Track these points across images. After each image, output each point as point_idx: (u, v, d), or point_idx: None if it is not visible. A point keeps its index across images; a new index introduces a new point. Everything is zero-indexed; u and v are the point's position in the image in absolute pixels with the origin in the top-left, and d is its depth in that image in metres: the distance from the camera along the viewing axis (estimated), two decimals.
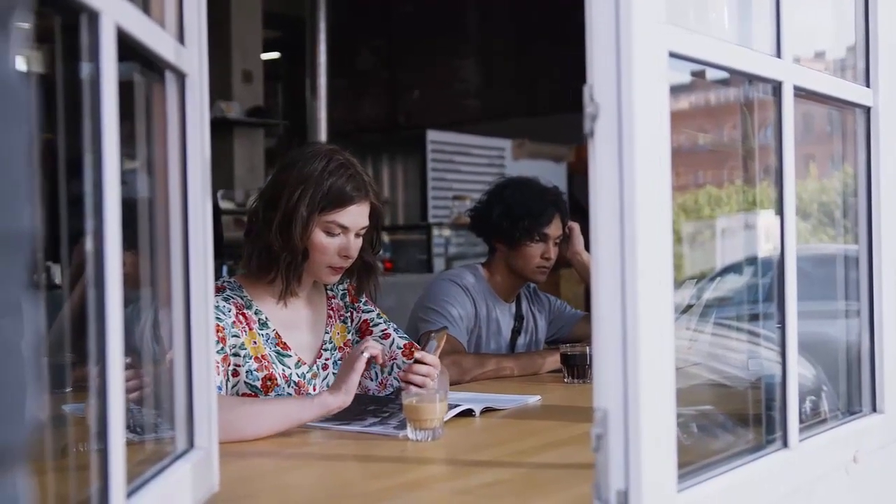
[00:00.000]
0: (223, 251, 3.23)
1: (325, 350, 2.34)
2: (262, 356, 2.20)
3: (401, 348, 2.36)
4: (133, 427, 1.41)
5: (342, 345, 2.38)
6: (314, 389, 2.27)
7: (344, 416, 2.06)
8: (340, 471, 1.72)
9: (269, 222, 2.19)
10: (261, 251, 2.22)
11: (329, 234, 2.20)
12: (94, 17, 1.00)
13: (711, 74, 1.57)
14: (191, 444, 1.38)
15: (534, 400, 2.37)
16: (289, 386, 2.22)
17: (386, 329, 2.41)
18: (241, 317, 2.20)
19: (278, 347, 2.24)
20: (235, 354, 2.15)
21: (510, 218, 3.00)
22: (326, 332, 2.36)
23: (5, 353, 0.58)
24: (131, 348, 1.21)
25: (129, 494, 1.10)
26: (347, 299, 2.43)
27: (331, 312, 2.39)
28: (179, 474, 1.28)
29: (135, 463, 1.19)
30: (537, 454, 1.81)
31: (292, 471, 1.75)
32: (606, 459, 1.18)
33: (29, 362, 0.60)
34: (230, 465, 1.58)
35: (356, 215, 2.22)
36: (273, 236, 2.18)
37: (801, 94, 1.58)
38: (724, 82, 1.73)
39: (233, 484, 1.52)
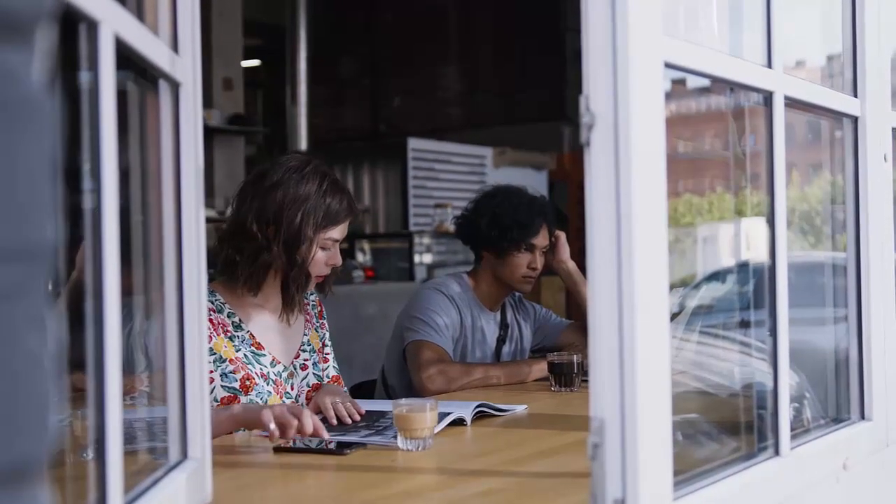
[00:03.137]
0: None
1: (304, 351, 2.42)
2: (237, 358, 2.25)
3: (329, 378, 2.46)
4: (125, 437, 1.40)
5: (318, 349, 2.47)
6: (292, 389, 2.35)
7: (338, 429, 2.06)
8: (332, 481, 1.72)
9: (268, 241, 2.24)
10: (261, 269, 2.27)
11: (323, 248, 2.31)
12: (93, 26, 0.99)
13: (692, 82, 1.58)
14: (184, 454, 1.37)
15: (521, 409, 2.37)
16: (267, 384, 2.28)
17: (329, 354, 2.53)
18: (208, 322, 2.23)
19: (253, 348, 2.30)
20: None
21: (498, 227, 2.99)
22: (305, 334, 2.44)
23: (30, 365, 0.57)
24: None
25: None
26: (316, 311, 2.53)
27: (307, 317, 2.48)
28: (174, 485, 1.27)
29: (128, 474, 1.18)
30: (529, 463, 1.81)
31: (284, 481, 1.74)
32: (603, 468, 1.18)
33: (51, 374, 0.60)
34: (222, 475, 1.58)
35: (345, 228, 2.35)
36: (276, 257, 2.25)
37: (791, 103, 1.60)
38: (704, 90, 1.74)
39: (225, 495, 1.51)
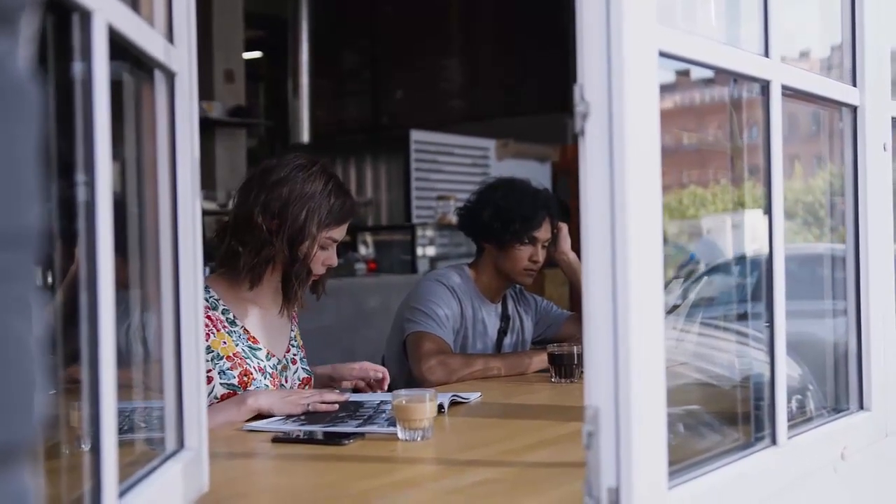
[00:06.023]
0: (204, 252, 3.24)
1: (293, 346, 2.47)
2: (234, 354, 2.28)
3: (300, 380, 2.46)
4: (121, 427, 1.40)
5: (301, 346, 2.51)
6: (286, 381, 2.39)
7: (320, 418, 2.06)
8: (330, 471, 1.72)
9: (271, 235, 2.27)
10: (262, 262, 2.29)
11: (322, 248, 2.34)
12: (86, 16, 0.99)
13: (696, 74, 1.58)
14: (181, 444, 1.37)
15: (475, 397, 2.38)
16: (264, 377, 2.31)
17: (303, 355, 2.53)
18: (206, 319, 2.25)
19: (249, 342, 2.33)
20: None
21: (501, 220, 2.99)
22: (292, 330, 2.48)
23: (16, 349, 0.58)
24: (118, 350, 1.21)
25: (121, 495, 1.09)
26: (296, 310, 2.55)
27: (294, 314, 2.51)
28: (170, 475, 1.28)
29: (125, 464, 1.19)
30: (527, 453, 1.82)
31: (282, 471, 1.75)
32: (598, 457, 1.18)
33: (37, 359, 0.60)
34: (219, 465, 1.58)
35: (345, 229, 2.40)
36: (279, 251, 2.28)
37: (789, 93, 1.59)
38: (708, 81, 1.74)
39: (222, 484, 1.51)
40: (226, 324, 2.30)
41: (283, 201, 2.27)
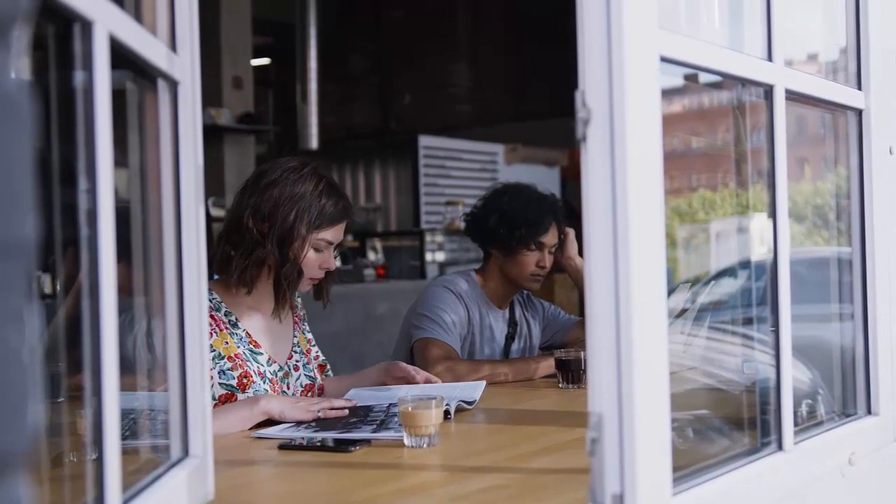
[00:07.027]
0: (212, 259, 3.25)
1: (296, 352, 2.47)
2: (236, 355, 2.29)
3: (302, 387, 2.46)
4: (125, 434, 1.40)
5: (305, 351, 2.51)
6: (287, 388, 2.39)
7: (332, 425, 2.06)
8: (336, 478, 1.72)
9: (262, 237, 2.28)
10: (254, 264, 2.30)
11: (316, 250, 2.34)
12: (87, 26, 1.00)
13: (704, 78, 1.58)
14: (186, 452, 1.38)
15: (479, 390, 2.40)
16: (264, 382, 2.32)
17: (318, 352, 2.57)
18: (209, 319, 2.27)
19: (251, 346, 2.33)
20: None
21: (507, 225, 2.99)
22: (294, 336, 2.48)
23: (8, 360, 0.58)
24: (124, 357, 1.21)
25: (125, 503, 1.09)
26: (303, 314, 2.56)
27: (296, 319, 2.52)
28: (175, 482, 1.28)
29: (129, 471, 1.19)
30: (533, 459, 1.81)
31: (287, 478, 1.75)
32: (602, 463, 1.18)
33: (31, 370, 0.61)
34: (225, 473, 1.58)
35: (341, 232, 2.38)
36: (269, 253, 2.28)
37: (793, 97, 1.59)
38: (716, 86, 1.74)
39: (228, 492, 1.51)
40: (228, 325, 2.31)
41: (274, 203, 2.28)
